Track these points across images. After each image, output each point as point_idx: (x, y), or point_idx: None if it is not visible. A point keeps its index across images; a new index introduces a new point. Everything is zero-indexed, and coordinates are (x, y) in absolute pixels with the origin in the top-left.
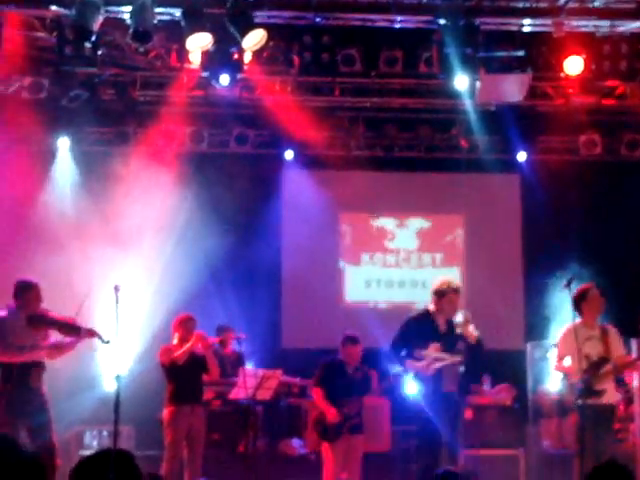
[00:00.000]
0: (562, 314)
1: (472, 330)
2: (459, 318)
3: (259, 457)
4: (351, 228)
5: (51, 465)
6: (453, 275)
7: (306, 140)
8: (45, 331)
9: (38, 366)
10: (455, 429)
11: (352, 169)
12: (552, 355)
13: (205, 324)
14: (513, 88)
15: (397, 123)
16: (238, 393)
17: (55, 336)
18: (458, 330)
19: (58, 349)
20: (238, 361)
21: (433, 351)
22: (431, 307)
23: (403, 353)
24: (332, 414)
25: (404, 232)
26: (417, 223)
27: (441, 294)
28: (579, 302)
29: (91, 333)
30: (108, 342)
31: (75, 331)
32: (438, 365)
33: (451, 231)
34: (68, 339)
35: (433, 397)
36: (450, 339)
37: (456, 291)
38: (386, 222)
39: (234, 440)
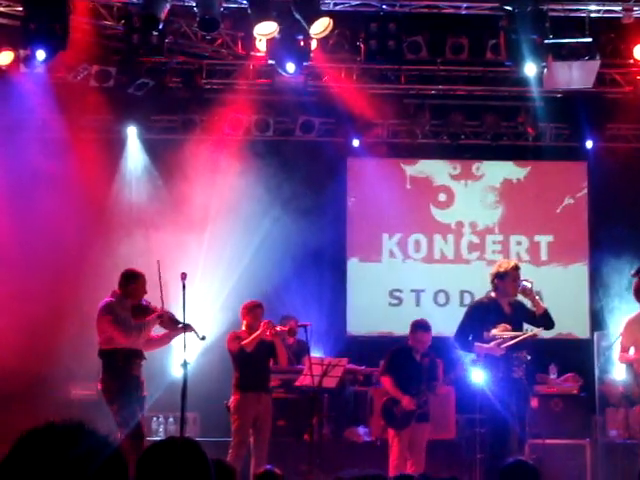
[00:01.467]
0: (629, 304)
1: (539, 300)
2: (521, 293)
3: (324, 444)
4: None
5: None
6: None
7: (372, 128)
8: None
9: (139, 356)
10: (523, 417)
11: (418, 157)
12: (616, 345)
13: (270, 312)
14: (581, 75)
15: (463, 111)
16: (304, 381)
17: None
18: (527, 304)
19: (157, 341)
20: (302, 349)
21: (502, 330)
22: (493, 294)
23: (470, 338)
24: (407, 400)
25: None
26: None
27: (502, 275)
28: (635, 296)
29: (189, 328)
30: (204, 338)
31: (174, 324)
32: (510, 343)
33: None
34: (165, 332)
35: (503, 383)
36: (517, 321)
37: (516, 269)
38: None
39: (300, 427)
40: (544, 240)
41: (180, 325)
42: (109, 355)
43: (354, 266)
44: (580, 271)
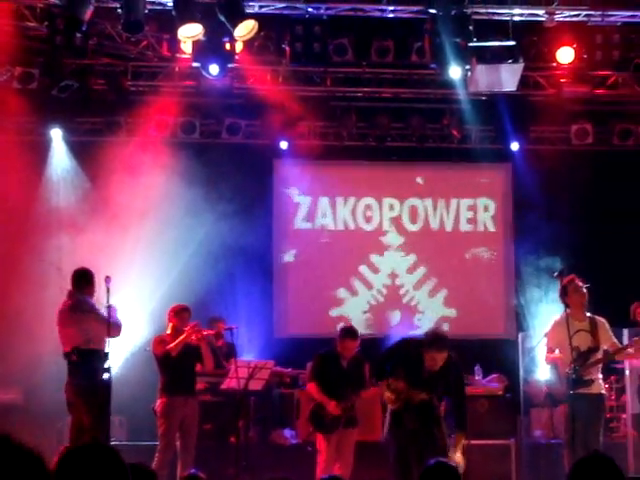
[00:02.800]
0: (554, 304)
1: None
2: None
3: (251, 447)
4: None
5: None
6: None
7: (298, 130)
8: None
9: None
10: None
11: (344, 159)
12: (541, 346)
13: (198, 314)
14: (505, 78)
15: (389, 113)
16: (230, 384)
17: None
18: None
19: None
20: (230, 352)
21: None
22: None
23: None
24: (332, 406)
25: (395, 245)
26: (408, 212)
27: None
28: (562, 296)
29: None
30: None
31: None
32: None
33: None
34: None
35: None
36: None
37: None
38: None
39: (226, 431)
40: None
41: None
42: (89, 355)
43: (281, 268)
44: (505, 274)
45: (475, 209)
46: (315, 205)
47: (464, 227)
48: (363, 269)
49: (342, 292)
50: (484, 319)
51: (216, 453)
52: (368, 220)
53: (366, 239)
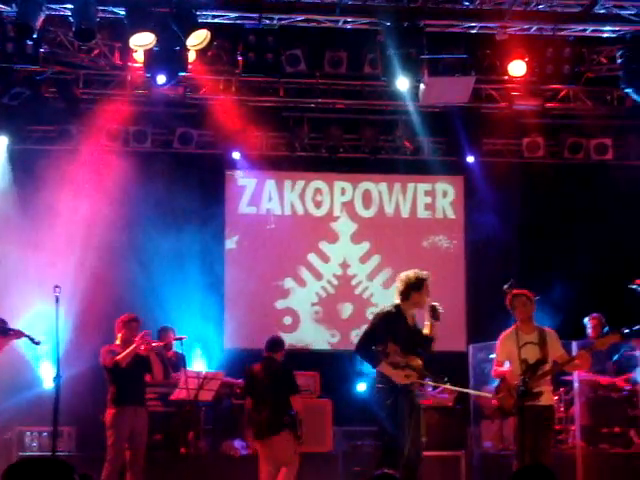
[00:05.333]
0: (504, 316)
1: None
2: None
3: (201, 458)
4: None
5: None
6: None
7: (250, 141)
8: None
9: None
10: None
11: (296, 170)
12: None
13: (147, 324)
14: (457, 90)
15: (342, 124)
16: (180, 394)
17: None
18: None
19: None
20: (179, 362)
21: (393, 351)
22: (399, 303)
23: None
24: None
25: (347, 232)
26: (362, 226)
27: (419, 286)
28: (511, 309)
29: (20, 334)
30: (39, 343)
31: (4, 333)
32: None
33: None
34: None
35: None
36: (416, 334)
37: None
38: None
39: (176, 441)
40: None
41: (11, 332)
42: None
43: (232, 279)
44: (457, 285)
45: (434, 195)
46: (261, 188)
47: (422, 214)
48: (312, 258)
49: (289, 282)
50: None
51: (166, 464)
52: (318, 205)
53: (315, 225)
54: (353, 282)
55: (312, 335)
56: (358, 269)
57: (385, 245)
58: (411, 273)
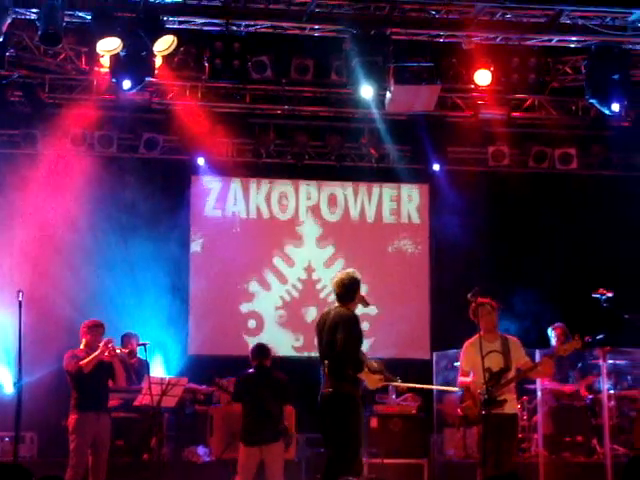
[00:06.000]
0: (468, 324)
1: None
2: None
3: (164, 465)
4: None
5: None
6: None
7: (216, 147)
8: None
9: None
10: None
11: (262, 177)
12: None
13: (111, 329)
14: (423, 99)
15: (308, 131)
16: (143, 400)
17: None
18: None
19: None
20: (142, 368)
21: None
22: (351, 305)
23: None
24: None
25: (313, 236)
26: (327, 230)
27: (359, 285)
28: (475, 318)
29: None
30: None
31: None
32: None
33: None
34: None
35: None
36: None
37: None
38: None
39: (139, 447)
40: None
41: None
42: None
43: (197, 285)
44: (421, 292)
45: (399, 200)
46: (226, 191)
47: (387, 219)
48: (277, 261)
49: (254, 286)
50: (399, 339)
51: (128, 470)
52: (283, 209)
53: (281, 229)
54: (318, 286)
55: (276, 339)
56: (322, 273)
57: (350, 249)
58: (348, 275)
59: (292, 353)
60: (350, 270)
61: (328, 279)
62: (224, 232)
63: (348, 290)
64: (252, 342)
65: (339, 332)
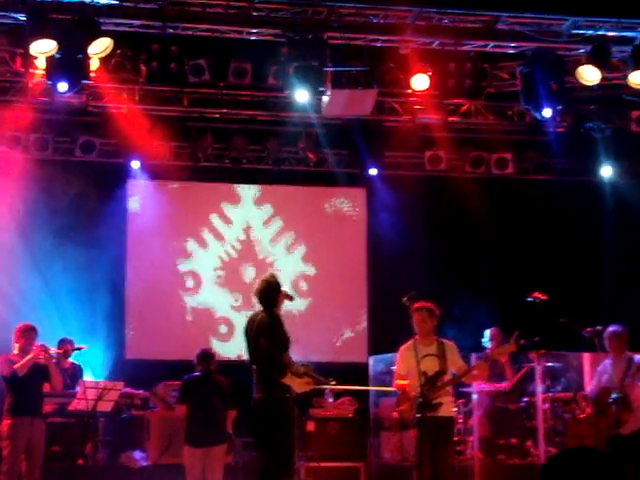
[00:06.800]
0: (406, 328)
1: None
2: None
3: (99, 470)
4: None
5: None
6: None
7: (153, 150)
8: None
9: None
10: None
11: (200, 180)
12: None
13: (46, 335)
14: (360, 103)
15: (245, 135)
16: (78, 405)
17: None
18: None
19: None
20: (77, 373)
21: None
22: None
23: None
24: None
25: (249, 243)
26: (263, 235)
27: (280, 288)
28: (412, 321)
29: None
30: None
31: None
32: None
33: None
34: None
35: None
36: None
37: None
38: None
39: (74, 452)
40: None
41: None
42: None
43: (133, 289)
44: (359, 297)
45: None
46: (163, 194)
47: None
48: (215, 219)
49: (191, 244)
50: (336, 343)
51: (63, 476)
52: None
53: (218, 187)
54: (256, 247)
55: (214, 299)
56: (261, 233)
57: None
58: (266, 283)
59: (231, 313)
60: (268, 275)
61: (267, 240)
62: (160, 190)
63: (268, 297)
64: (191, 301)
65: (261, 339)
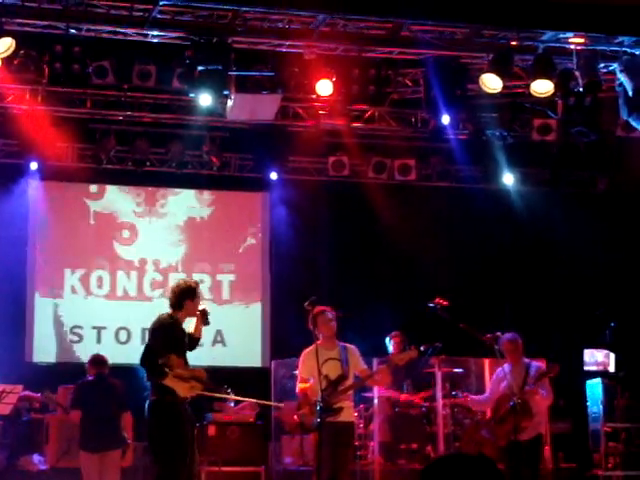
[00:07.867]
0: (308, 332)
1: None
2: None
3: None
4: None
5: None
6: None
7: (56, 151)
8: None
9: None
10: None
11: (102, 182)
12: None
13: None
14: (264, 107)
15: (149, 138)
16: None
17: None
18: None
19: None
20: None
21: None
22: (175, 312)
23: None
24: None
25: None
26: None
27: (194, 294)
28: (313, 326)
29: None
30: None
31: None
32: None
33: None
34: None
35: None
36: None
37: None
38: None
39: None
40: (226, 279)
41: None
42: None
43: (36, 290)
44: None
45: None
46: (65, 196)
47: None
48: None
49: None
50: (237, 348)
51: None
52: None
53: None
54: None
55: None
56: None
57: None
58: (181, 282)
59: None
60: (187, 279)
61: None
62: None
63: (178, 298)
64: None
65: (150, 339)
